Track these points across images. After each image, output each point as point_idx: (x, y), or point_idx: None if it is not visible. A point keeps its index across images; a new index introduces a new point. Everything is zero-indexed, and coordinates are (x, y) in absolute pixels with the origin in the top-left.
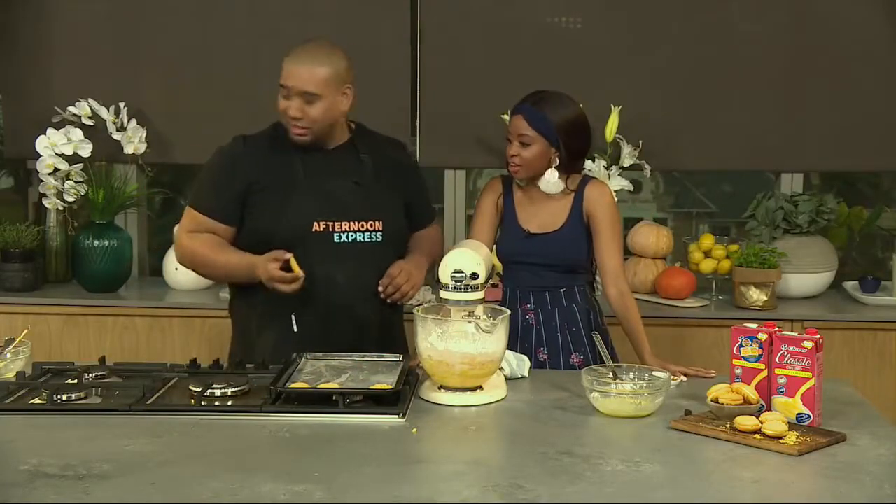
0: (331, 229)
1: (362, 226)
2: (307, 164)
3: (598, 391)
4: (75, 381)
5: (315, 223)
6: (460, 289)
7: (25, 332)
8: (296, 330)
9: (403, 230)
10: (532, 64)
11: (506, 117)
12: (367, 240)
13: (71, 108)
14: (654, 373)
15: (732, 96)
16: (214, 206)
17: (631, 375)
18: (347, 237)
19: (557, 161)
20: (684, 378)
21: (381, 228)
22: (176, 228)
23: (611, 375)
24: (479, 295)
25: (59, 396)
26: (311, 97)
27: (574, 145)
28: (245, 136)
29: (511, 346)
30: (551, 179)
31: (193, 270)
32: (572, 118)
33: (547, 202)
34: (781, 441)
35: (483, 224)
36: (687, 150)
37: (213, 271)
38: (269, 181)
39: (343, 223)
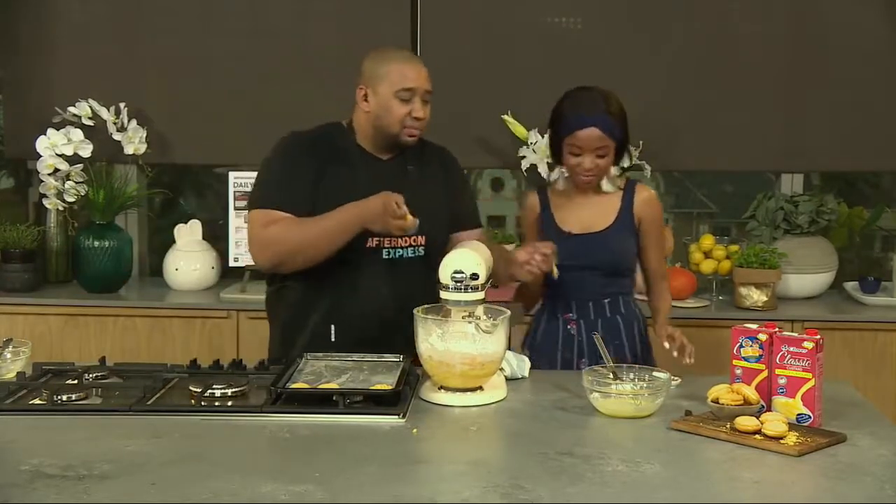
0: (381, 245)
1: (406, 241)
2: (366, 177)
3: (598, 391)
4: (76, 381)
5: (369, 239)
6: (460, 289)
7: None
8: (333, 340)
9: (444, 243)
10: (532, 65)
11: (507, 118)
12: (411, 255)
13: (71, 109)
14: (654, 373)
15: (733, 97)
16: (286, 197)
17: (631, 376)
18: (395, 253)
19: (615, 158)
20: (678, 379)
21: (423, 243)
22: (253, 229)
23: (611, 376)
24: (480, 295)
25: (59, 397)
26: (429, 96)
27: (628, 134)
28: (299, 133)
29: (551, 354)
30: (614, 174)
31: (282, 262)
32: (620, 104)
33: (588, 202)
34: (782, 441)
35: (527, 243)
36: (687, 151)
37: (308, 249)
38: (332, 187)
39: (392, 239)
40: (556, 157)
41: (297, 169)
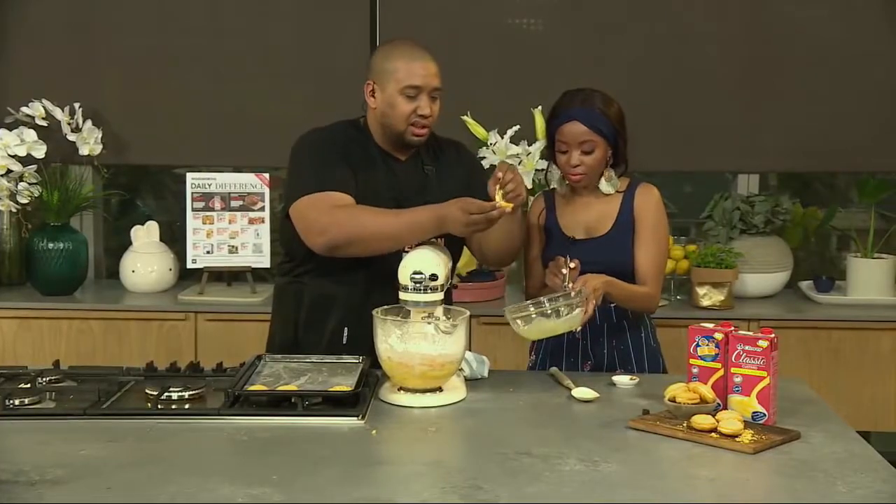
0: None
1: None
2: (385, 179)
3: (519, 317)
4: (28, 385)
5: None
6: (420, 290)
7: None
8: (345, 343)
9: (460, 241)
10: (492, 66)
11: (467, 119)
12: None
13: (24, 109)
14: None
15: (691, 98)
16: (341, 181)
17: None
18: None
19: (612, 159)
20: (636, 378)
21: (444, 244)
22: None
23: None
24: (439, 296)
25: (11, 401)
26: (437, 93)
27: (625, 137)
28: (322, 130)
29: (557, 360)
30: (614, 177)
31: (344, 246)
32: (620, 108)
33: (592, 207)
34: (737, 439)
35: (531, 242)
36: (646, 152)
37: (383, 240)
38: (360, 183)
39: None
40: (553, 157)
41: (338, 159)
